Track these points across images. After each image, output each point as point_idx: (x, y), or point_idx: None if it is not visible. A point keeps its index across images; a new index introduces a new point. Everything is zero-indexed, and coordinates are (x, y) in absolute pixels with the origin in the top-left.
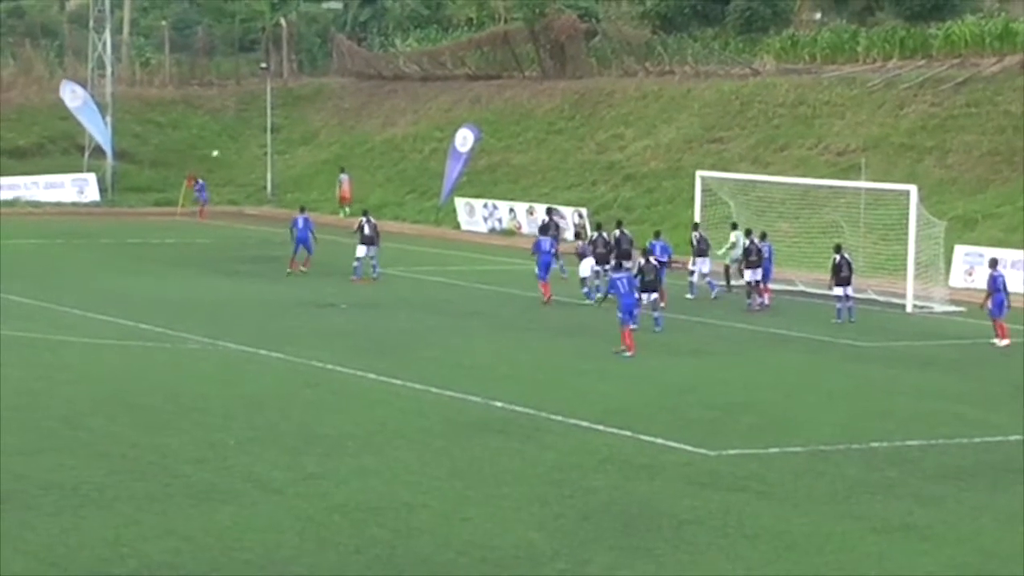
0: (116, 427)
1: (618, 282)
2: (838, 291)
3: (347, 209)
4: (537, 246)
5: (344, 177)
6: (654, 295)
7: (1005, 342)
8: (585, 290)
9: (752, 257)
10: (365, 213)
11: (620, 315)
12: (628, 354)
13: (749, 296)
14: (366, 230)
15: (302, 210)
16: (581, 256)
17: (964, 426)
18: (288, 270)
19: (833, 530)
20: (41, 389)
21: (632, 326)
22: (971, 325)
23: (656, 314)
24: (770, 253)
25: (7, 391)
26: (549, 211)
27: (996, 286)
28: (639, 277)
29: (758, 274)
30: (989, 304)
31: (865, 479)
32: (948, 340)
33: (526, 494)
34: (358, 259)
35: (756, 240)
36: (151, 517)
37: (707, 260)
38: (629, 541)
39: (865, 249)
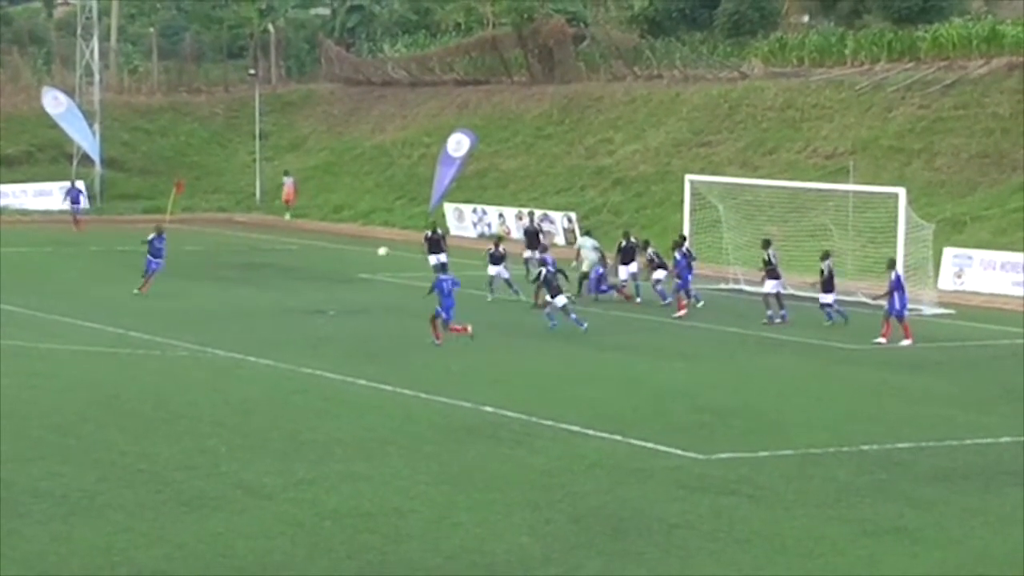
0: (106, 434)
1: (443, 283)
2: (827, 298)
3: (290, 212)
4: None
5: (288, 180)
6: (561, 298)
7: (882, 340)
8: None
9: (770, 266)
10: (434, 226)
11: (439, 310)
12: (437, 342)
13: (771, 307)
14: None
15: (158, 231)
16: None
17: (954, 428)
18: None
19: (824, 533)
20: (31, 397)
21: (453, 324)
22: (960, 327)
23: (573, 317)
24: (687, 260)
25: None
26: (531, 216)
27: (900, 285)
28: (544, 284)
29: (779, 285)
30: (896, 303)
31: (856, 482)
32: (937, 343)
33: (516, 499)
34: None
35: (772, 252)
36: (142, 524)
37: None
38: (619, 546)
39: (854, 252)
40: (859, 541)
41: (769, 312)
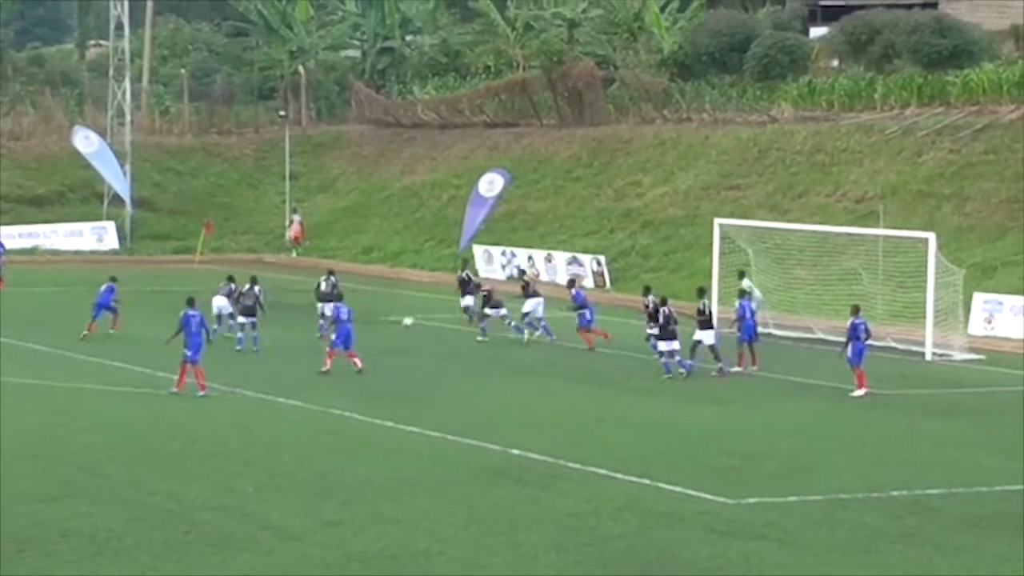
0: (134, 474)
1: (191, 320)
2: (664, 346)
3: (298, 250)
4: (336, 313)
5: (296, 217)
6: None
7: (861, 392)
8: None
9: (703, 317)
10: (330, 272)
11: (189, 353)
12: (201, 393)
13: (693, 356)
14: (323, 287)
15: (113, 280)
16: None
17: (984, 474)
18: (86, 332)
19: None
20: (59, 436)
21: (193, 360)
22: (991, 373)
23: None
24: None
25: (26, 438)
26: (464, 263)
27: (856, 333)
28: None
29: (711, 337)
30: (848, 352)
31: (885, 528)
32: (968, 388)
33: (544, 541)
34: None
35: (706, 302)
36: (169, 565)
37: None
38: None
39: (884, 297)
40: None
41: (690, 362)
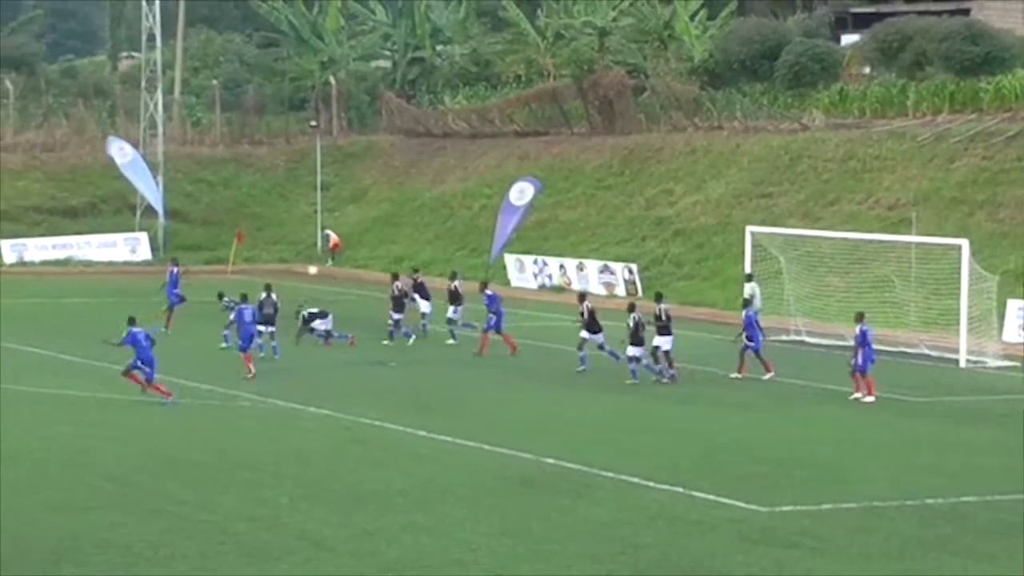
0: (167, 485)
1: (138, 336)
2: (633, 351)
3: (334, 258)
4: (239, 316)
5: (330, 234)
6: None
7: (871, 398)
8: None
9: (661, 322)
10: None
11: (136, 363)
12: (150, 394)
13: (658, 362)
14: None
15: (175, 263)
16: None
17: (1020, 482)
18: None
19: None
20: (90, 447)
21: (151, 376)
22: None
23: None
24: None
25: (57, 449)
26: (411, 275)
27: (866, 340)
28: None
29: (668, 343)
30: (859, 359)
31: (920, 536)
32: (1002, 395)
33: (577, 551)
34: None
35: (664, 307)
36: (205, 575)
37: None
38: None
39: (917, 304)
40: None
41: (659, 367)
